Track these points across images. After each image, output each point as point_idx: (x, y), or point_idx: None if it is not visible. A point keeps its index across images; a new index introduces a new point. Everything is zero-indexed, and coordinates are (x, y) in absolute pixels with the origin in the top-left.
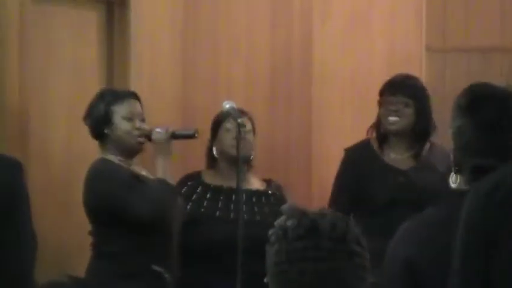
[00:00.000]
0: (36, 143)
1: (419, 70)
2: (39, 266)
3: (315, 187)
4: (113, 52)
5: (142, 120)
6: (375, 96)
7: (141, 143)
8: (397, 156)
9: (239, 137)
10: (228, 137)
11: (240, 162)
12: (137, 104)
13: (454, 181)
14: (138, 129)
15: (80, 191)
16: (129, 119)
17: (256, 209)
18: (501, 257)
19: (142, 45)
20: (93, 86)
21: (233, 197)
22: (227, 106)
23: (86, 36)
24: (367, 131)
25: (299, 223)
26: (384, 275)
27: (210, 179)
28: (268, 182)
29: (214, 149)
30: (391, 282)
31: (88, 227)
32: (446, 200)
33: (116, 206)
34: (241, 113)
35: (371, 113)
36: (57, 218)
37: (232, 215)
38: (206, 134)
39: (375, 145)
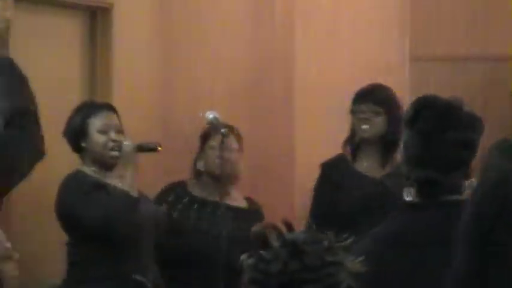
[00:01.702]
0: None
1: (403, 79)
2: (20, 270)
3: (298, 196)
4: (95, 61)
5: (120, 131)
6: None
7: (116, 157)
8: (370, 164)
9: (222, 148)
10: (211, 154)
11: (223, 177)
12: (113, 116)
13: (408, 194)
14: (114, 141)
15: None
16: (104, 131)
17: (234, 224)
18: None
19: (124, 55)
20: (74, 94)
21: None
22: (210, 116)
23: (68, 45)
24: (342, 145)
25: (256, 264)
26: None
27: (195, 190)
28: (248, 199)
29: (199, 162)
30: None
31: None
32: (398, 213)
33: (73, 213)
34: (230, 130)
35: None
36: (37, 225)
37: (214, 229)
38: (187, 144)
39: (349, 157)
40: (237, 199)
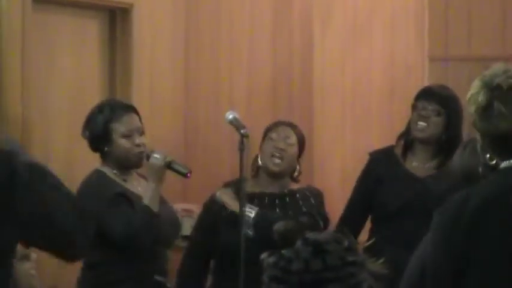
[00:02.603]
0: (37, 151)
1: (421, 79)
2: (37, 272)
3: None
4: (115, 61)
5: (142, 133)
6: (376, 106)
7: (141, 160)
8: (419, 165)
9: (242, 148)
10: (268, 146)
11: (242, 177)
12: (136, 118)
13: (491, 159)
14: (138, 145)
15: None
16: (128, 136)
17: (290, 209)
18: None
19: (143, 55)
20: (94, 94)
21: (276, 201)
22: (230, 117)
23: (87, 45)
24: (396, 139)
25: (277, 262)
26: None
27: (249, 187)
28: (308, 186)
29: (259, 157)
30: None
31: None
32: (494, 176)
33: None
34: (289, 126)
35: (371, 123)
36: None
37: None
38: (208, 145)
39: (398, 152)
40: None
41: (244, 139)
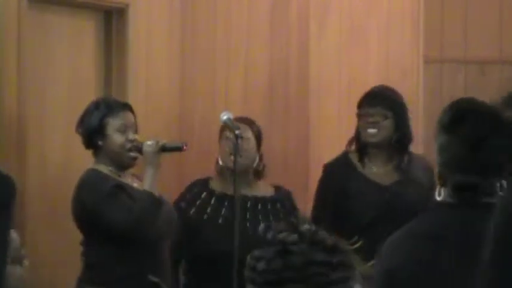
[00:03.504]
0: (33, 151)
1: (417, 81)
2: (33, 272)
3: (312, 196)
4: (111, 61)
5: (135, 131)
6: None
7: (134, 158)
8: (379, 170)
9: (236, 149)
10: (225, 145)
11: (236, 174)
12: (131, 116)
13: (439, 194)
14: (131, 141)
15: None
16: (123, 131)
17: (260, 216)
18: None
19: (139, 55)
20: (90, 94)
21: (248, 204)
22: (224, 118)
23: (83, 45)
24: (346, 144)
25: (249, 261)
26: None
27: (216, 185)
28: (277, 188)
29: (219, 157)
30: None
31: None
32: (430, 212)
33: (95, 215)
34: (243, 121)
35: None
36: (53, 225)
37: (248, 224)
38: (203, 145)
39: (354, 159)
40: (261, 190)
41: (239, 140)
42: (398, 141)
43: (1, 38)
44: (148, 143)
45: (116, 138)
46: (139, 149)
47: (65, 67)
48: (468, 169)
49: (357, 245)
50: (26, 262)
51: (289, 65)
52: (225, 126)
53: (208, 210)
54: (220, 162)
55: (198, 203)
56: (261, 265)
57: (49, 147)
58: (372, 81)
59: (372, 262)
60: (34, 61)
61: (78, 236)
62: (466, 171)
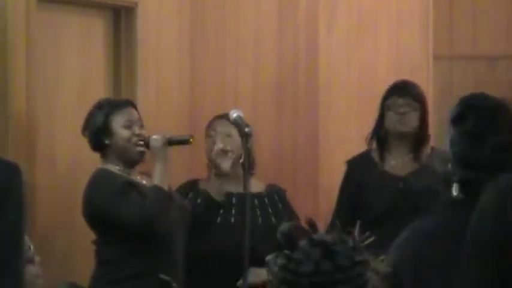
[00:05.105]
0: (43, 150)
1: (426, 78)
2: (45, 270)
3: (321, 194)
4: (120, 60)
5: (141, 126)
6: None
7: (142, 152)
8: (397, 162)
9: (246, 146)
10: (210, 143)
11: (247, 172)
12: (134, 112)
13: (455, 190)
14: (138, 135)
15: None
16: (128, 126)
17: (258, 211)
18: None
19: (149, 53)
20: (99, 93)
21: (233, 200)
22: (234, 115)
23: (92, 44)
24: (367, 141)
25: (286, 265)
26: None
27: (204, 184)
28: (269, 185)
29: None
30: None
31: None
32: (440, 208)
33: (107, 214)
34: (225, 118)
35: None
36: (63, 224)
37: (233, 220)
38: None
39: (375, 155)
40: (254, 186)
41: (248, 138)
42: (422, 134)
43: (10, 38)
44: (155, 137)
45: (122, 133)
46: (146, 144)
47: (74, 66)
48: (470, 164)
49: (368, 241)
50: (37, 258)
51: (298, 63)
52: (208, 124)
53: (197, 209)
54: (209, 163)
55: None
56: (306, 267)
57: (58, 147)
58: (381, 79)
59: (382, 256)
60: (43, 60)
61: (88, 234)
62: (468, 167)
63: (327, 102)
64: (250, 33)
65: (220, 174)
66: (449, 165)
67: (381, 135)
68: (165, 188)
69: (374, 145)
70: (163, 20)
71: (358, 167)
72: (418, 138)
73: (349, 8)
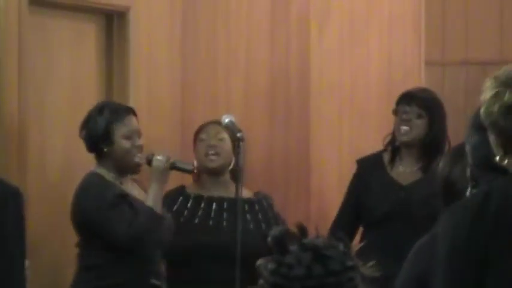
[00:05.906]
0: (34, 153)
1: (418, 83)
2: (35, 274)
3: (313, 198)
4: (112, 64)
5: (140, 135)
6: (373, 109)
7: (138, 165)
8: (405, 169)
9: (238, 151)
10: (200, 147)
11: (240, 175)
12: (135, 121)
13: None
14: (137, 147)
15: None
16: (129, 137)
17: (249, 216)
18: (495, 276)
19: (140, 58)
20: (91, 97)
21: (213, 205)
22: (226, 120)
23: (84, 48)
24: (384, 142)
25: (277, 269)
26: None
27: (192, 189)
28: (257, 193)
29: (194, 161)
30: None
31: None
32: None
33: (95, 224)
34: (217, 123)
35: (369, 125)
36: (53, 227)
37: (211, 223)
38: None
39: (386, 158)
40: (243, 193)
41: (240, 142)
42: (430, 142)
43: (2, 42)
44: (159, 157)
45: (123, 144)
46: (149, 161)
47: (66, 71)
48: (500, 169)
49: (360, 245)
50: (27, 262)
51: (289, 67)
52: (199, 129)
53: (185, 213)
54: (195, 163)
55: (174, 208)
56: (298, 271)
57: (50, 150)
58: (373, 84)
59: (371, 263)
60: (35, 65)
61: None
62: (499, 172)
63: (319, 106)
64: (242, 38)
65: (209, 173)
66: (468, 171)
67: (394, 143)
68: (158, 210)
69: (388, 148)
70: (155, 25)
71: (368, 167)
72: (426, 147)
73: (341, 14)
